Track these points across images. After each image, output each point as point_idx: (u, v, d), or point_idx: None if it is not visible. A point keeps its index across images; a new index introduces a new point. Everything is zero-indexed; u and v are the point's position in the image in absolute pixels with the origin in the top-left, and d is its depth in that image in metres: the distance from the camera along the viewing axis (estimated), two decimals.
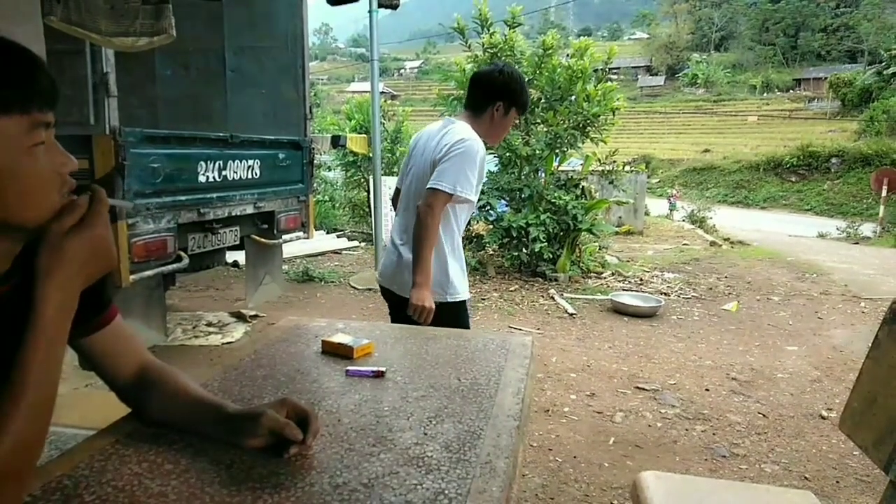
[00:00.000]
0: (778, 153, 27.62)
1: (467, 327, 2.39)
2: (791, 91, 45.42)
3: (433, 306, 2.17)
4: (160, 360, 1.10)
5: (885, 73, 32.14)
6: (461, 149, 2.19)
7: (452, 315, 2.26)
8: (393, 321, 2.43)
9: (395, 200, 2.59)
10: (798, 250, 10.35)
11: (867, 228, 15.69)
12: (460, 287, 2.33)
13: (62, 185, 0.80)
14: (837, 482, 2.79)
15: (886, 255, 11.08)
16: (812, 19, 55.83)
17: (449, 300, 2.28)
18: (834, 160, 25.16)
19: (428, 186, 2.18)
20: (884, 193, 16.64)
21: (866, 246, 13.41)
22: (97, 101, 2.87)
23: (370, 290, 6.26)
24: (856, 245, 13.42)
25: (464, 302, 2.36)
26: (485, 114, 2.33)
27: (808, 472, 2.87)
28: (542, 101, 7.05)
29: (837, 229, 15.63)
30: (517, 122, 2.99)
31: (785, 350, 4.75)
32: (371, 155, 7.27)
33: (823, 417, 3.48)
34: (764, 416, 3.51)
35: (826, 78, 39.38)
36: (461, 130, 2.25)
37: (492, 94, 2.31)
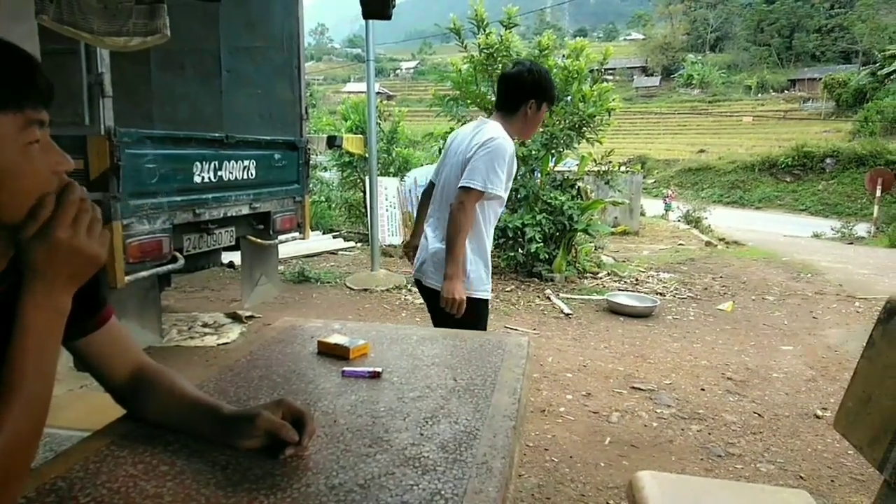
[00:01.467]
0: (773, 153, 27.72)
1: (484, 327, 2.48)
2: (786, 91, 45.59)
3: (464, 298, 2.28)
4: (155, 362, 1.10)
5: (879, 73, 32.28)
6: (490, 147, 2.29)
7: (473, 311, 2.35)
8: (429, 311, 2.57)
9: (427, 193, 2.72)
10: (793, 250, 10.38)
11: (862, 228, 15.76)
12: (479, 285, 2.41)
13: (58, 185, 0.80)
14: (832, 481, 2.80)
15: (881, 254, 11.13)
16: (807, 20, 56.02)
17: (475, 296, 2.37)
18: (828, 160, 25.26)
19: (460, 185, 2.30)
20: (878, 193, 16.72)
21: (861, 246, 13.46)
22: (92, 101, 2.86)
23: (366, 290, 6.26)
24: (850, 245, 13.47)
25: (484, 301, 2.45)
26: (518, 113, 2.43)
27: (804, 472, 2.88)
28: None
29: (832, 229, 15.70)
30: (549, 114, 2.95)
31: (780, 350, 4.76)
32: (367, 155, 7.26)
33: (818, 417, 3.49)
34: (759, 415, 3.52)
35: (821, 78, 39.54)
36: (491, 130, 2.36)
37: (524, 93, 2.41)
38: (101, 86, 2.86)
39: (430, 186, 2.71)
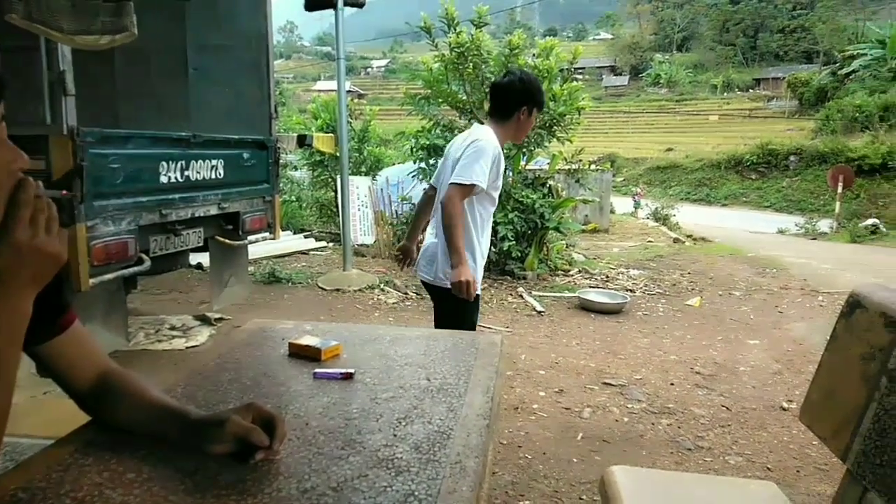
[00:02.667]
0: (738, 151, 28.23)
1: (473, 321, 2.65)
2: (751, 90, 46.49)
3: (472, 279, 2.43)
4: (121, 366, 1.07)
5: (839, 73, 33.15)
6: (475, 147, 2.50)
7: (459, 302, 2.49)
8: (434, 305, 2.79)
9: (427, 198, 2.94)
10: (758, 246, 10.60)
11: (824, 224, 16.16)
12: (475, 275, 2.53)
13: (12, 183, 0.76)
14: (798, 471, 2.87)
15: (842, 250, 11.43)
16: (770, 20, 57.24)
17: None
18: (792, 158, 25.84)
19: (449, 181, 2.50)
20: (839, 190, 17.15)
21: (823, 241, 13.82)
22: (53, 99, 2.79)
23: (338, 290, 6.22)
24: (814, 240, 13.81)
25: (476, 296, 2.56)
26: (511, 119, 2.63)
27: (770, 463, 2.94)
28: None
29: (796, 225, 16.06)
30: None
31: (747, 344, 4.86)
32: (338, 154, 7.21)
33: (784, 409, 3.57)
34: (727, 408, 3.58)
35: (784, 78, 40.40)
36: (477, 132, 2.59)
37: (516, 100, 2.59)
38: (62, 84, 2.78)
39: (432, 191, 2.88)
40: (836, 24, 44.47)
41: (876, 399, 1.24)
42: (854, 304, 1.39)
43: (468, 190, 2.46)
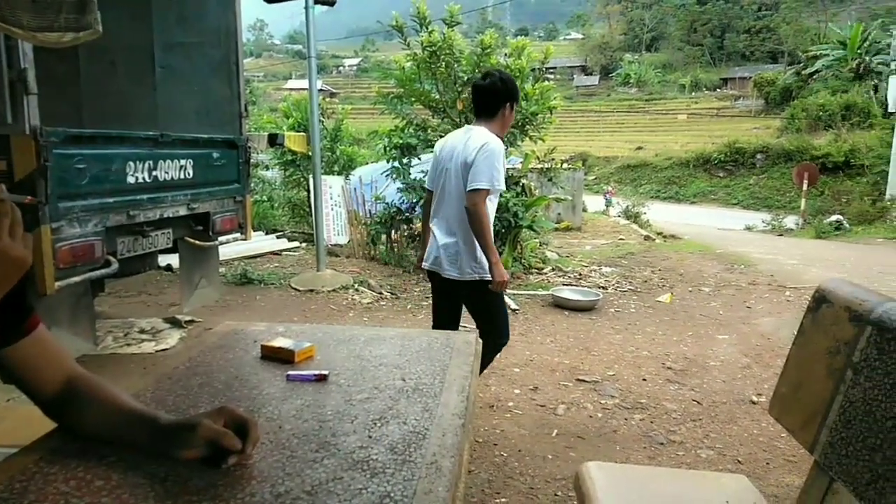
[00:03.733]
0: (706, 150, 28.71)
1: (500, 304, 3.00)
2: (718, 90, 47.29)
3: (506, 278, 2.77)
4: (88, 371, 1.04)
5: (803, 73, 33.91)
6: (487, 151, 2.70)
7: (483, 290, 2.85)
8: (437, 298, 3.14)
9: (428, 202, 3.11)
10: (727, 243, 10.79)
11: (791, 221, 16.52)
12: (486, 268, 2.83)
13: None
14: (768, 464, 2.93)
15: (808, 245, 11.70)
16: (737, 21, 58.27)
17: (481, 278, 2.84)
18: (759, 156, 26.37)
19: (469, 189, 2.70)
20: (804, 187, 17.56)
21: (790, 237, 14.13)
22: (15, 98, 2.71)
23: (312, 291, 6.16)
24: (780, 237, 14.12)
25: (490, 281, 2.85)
26: (496, 116, 2.87)
27: (741, 456, 3.00)
28: None
29: (763, 222, 16.39)
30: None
31: (716, 339, 4.95)
32: (310, 154, 7.15)
33: (754, 402, 3.65)
34: (698, 403, 3.64)
35: (751, 77, 41.18)
36: (482, 135, 2.77)
37: (500, 98, 2.85)
38: (24, 82, 2.71)
39: (429, 194, 3.09)
40: (799, 25, 45.49)
41: (841, 392, 1.27)
42: (820, 300, 1.42)
43: (488, 192, 2.71)
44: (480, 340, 1.76)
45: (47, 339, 0.99)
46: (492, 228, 2.80)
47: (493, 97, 2.86)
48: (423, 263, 3.07)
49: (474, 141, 2.75)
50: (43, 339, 0.98)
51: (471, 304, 3.02)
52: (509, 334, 3.10)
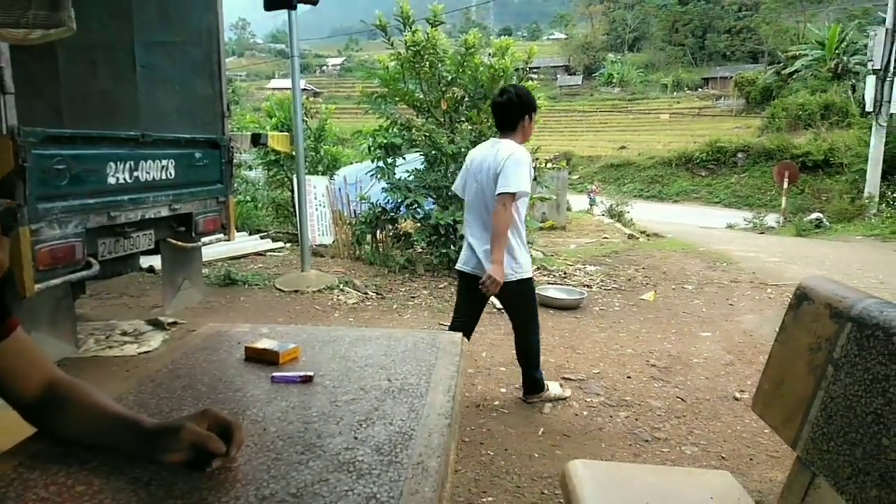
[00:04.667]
0: (688, 149, 28.96)
1: (534, 299, 3.36)
2: (700, 90, 47.71)
3: (502, 281, 3.03)
4: (68, 375, 1.03)
5: (783, 73, 34.33)
6: (513, 159, 3.00)
7: (523, 288, 3.19)
8: (465, 299, 3.40)
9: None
10: (709, 241, 10.89)
11: (771, 219, 16.70)
12: (526, 266, 3.18)
13: None
14: (751, 459, 2.96)
15: (789, 243, 11.85)
16: (718, 21, 58.85)
17: (520, 277, 3.14)
18: (740, 155, 26.65)
19: (497, 193, 3.00)
20: (785, 185, 17.78)
21: (771, 235, 14.29)
22: None
23: (297, 292, 6.13)
24: (761, 235, 14.27)
25: (530, 279, 3.24)
26: (517, 128, 3.17)
27: (725, 452, 3.02)
28: (466, 99, 7.11)
29: (745, 220, 16.57)
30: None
31: (700, 336, 4.99)
32: (294, 153, 7.11)
33: (737, 399, 3.68)
34: (682, 400, 3.67)
35: (732, 77, 41.62)
36: (508, 146, 3.08)
37: (517, 112, 3.14)
38: (0, 81, 2.67)
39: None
40: (779, 25, 45.98)
41: (823, 388, 1.28)
42: (801, 297, 1.44)
43: (514, 196, 2.99)
44: (466, 340, 1.76)
45: (25, 342, 0.98)
46: (515, 228, 3.11)
47: (511, 112, 3.15)
48: (465, 268, 3.30)
49: (503, 152, 3.05)
50: (21, 342, 0.96)
51: (509, 301, 3.35)
52: (539, 330, 3.42)
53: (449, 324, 3.61)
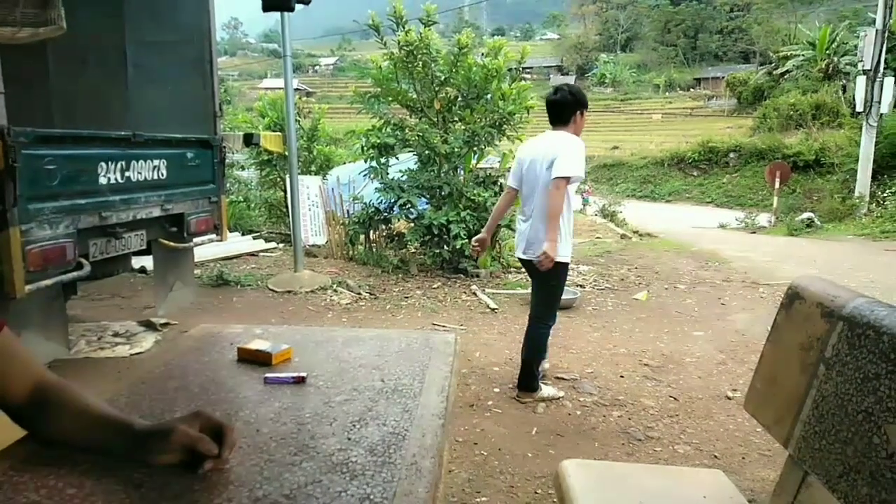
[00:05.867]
0: (681, 149, 29.02)
1: (561, 285, 3.53)
2: (692, 90, 47.90)
3: (555, 257, 3.23)
4: (57, 376, 1.02)
5: (774, 73, 34.46)
6: (568, 147, 3.26)
7: (556, 272, 3.36)
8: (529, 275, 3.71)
9: (506, 198, 3.74)
10: (701, 240, 10.93)
11: (763, 218, 16.74)
12: (565, 252, 3.37)
13: None
14: (743, 458, 2.97)
15: (780, 242, 11.90)
16: (709, 21, 59.10)
17: (558, 260, 3.29)
18: (732, 155, 26.73)
19: (553, 177, 3.24)
20: (776, 185, 17.84)
21: (763, 235, 14.34)
22: None
23: (290, 292, 6.12)
24: (753, 234, 14.32)
25: (567, 263, 3.45)
26: (570, 122, 3.42)
27: (717, 451, 3.04)
28: (460, 99, 7.11)
29: (736, 220, 16.59)
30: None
31: (692, 335, 5.01)
32: (287, 153, 7.09)
33: (729, 398, 3.70)
34: (675, 399, 3.68)
35: (723, 77, 41.78)
36: (564, 136, 3.35)
37: (571, 109, 3.41)
38: None
39: (513, 191, 3.66)
40: (770, 25, 46.20)
41: (815, 386, 1.29)
42: (793, 296, 1.44)
43: (569, 180, 3.23)
44: (459, 340, 1.76)
45: (13, 344, 0.97)
46: (571, 215, 3.42)
47: (565, 108, 3.41)
48: (522, 255, 3.54)
49: (559, 141, 3.32)
50: (8, 343, 0.96)
51: (538, 277, 3.50)
52: (556, 319, 3.66)
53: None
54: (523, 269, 7.41)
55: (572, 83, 3.47)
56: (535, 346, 3.57)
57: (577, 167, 3.24)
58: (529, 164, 3.47)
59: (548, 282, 3.44)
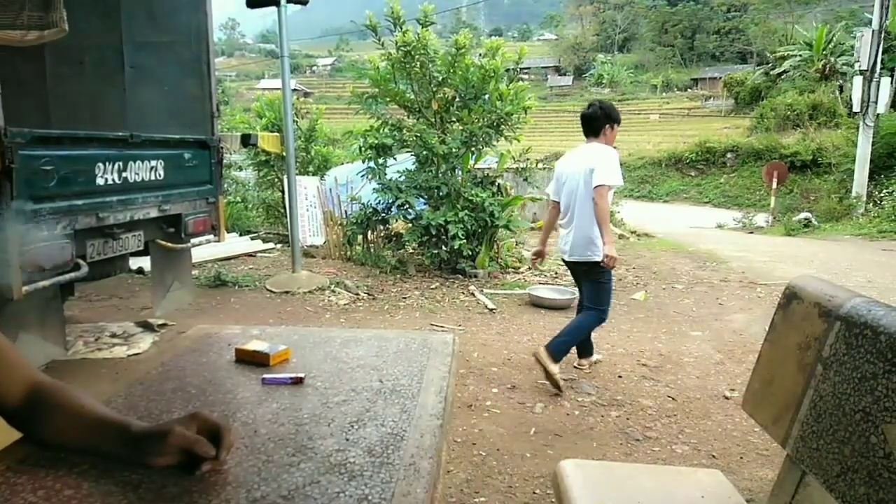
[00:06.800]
0: (678, 149, 29.04)
1: (610, 282, 3.85)
2: (689, 90, 47.87)
3: (616, 257, 3.65)
4: (54, 378, 1.02)
5: (771, 73, 34.49)
6: (605, 158, 3.66)
7: (603, 270, 3.72)
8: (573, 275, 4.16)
9: (553, 212, 4.05)
10: (699, 241, 10.95)
11: (761, 218, 16.78)
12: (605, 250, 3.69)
13: None
14: (741, 458, 2.97)
15: (778, 242, 11.92)
16: (707, 22, 59.13)
17: (598, 259, 3.67)
18: (729, 155, 26.76)
19: (594, 185, 3.62)
20: (774, 185, 17.87)
21: (760, 235, 14.37)
22: None
23: (287, 293, 6.11)
24: (751, 234, 14.34)
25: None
26: (600, 134, 3.80)
27: (715, 451, 3.04)
28: (457, 100, 7.11)
29: (734, 220, 16.62)
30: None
31: (690, 335, 5.02)
32: (284, 154, 7.09)
33: (727, 398, 3.70)
34: (673, 399, 3.69)
35: (721, 77, 41.77)
36: (599, 147, 3.74)
37: (601, 122, 3.80)
38: None
39: (556, 205, 3.97)
40: (767, 26, 46.21)
41: (812, 386, 1.29)
42: (791, 296, 1.44)
43: (609, 187, 3.62)
44: (457, 341, 1.76)
45: (5, 346, 0.97)
46: (608, 217, 3.69)
47: (595, 121, 3.79)
48: (566, 258, 3.90)
49: (595, 152, 3.70)
50: (1, 346, 0.95)
51: (584, 278, 3.87)
52: (608, 312, 3.93)
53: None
54: (525, 270, 7.50)
55: (602, 102, 3.91)
56: (577, 328, 3.86)
57: (615, 176, 3.63)
58: (568, 177, 3.83)
59: (597, 280, 3.79)
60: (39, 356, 3.33)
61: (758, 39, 46.88)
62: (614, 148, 3.85)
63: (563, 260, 4.02)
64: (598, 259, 3.67)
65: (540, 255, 4.13)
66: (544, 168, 9.76)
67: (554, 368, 3.67)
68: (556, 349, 3.72)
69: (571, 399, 3.65)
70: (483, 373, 4.06)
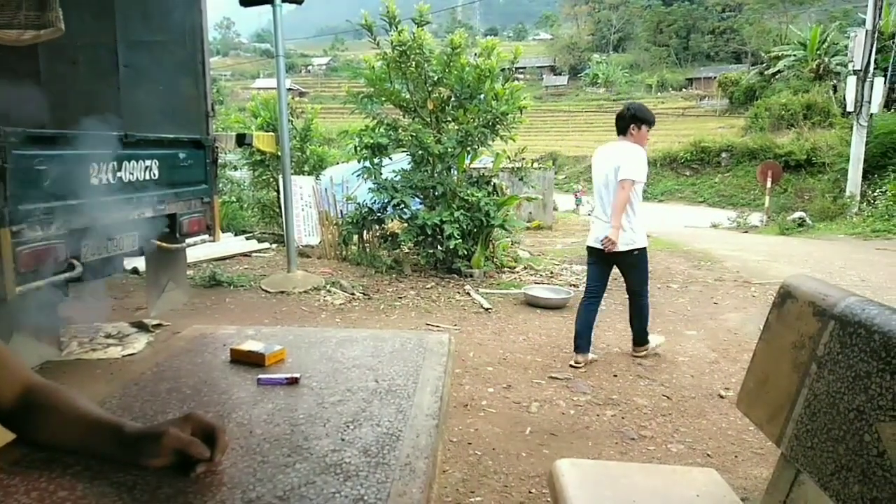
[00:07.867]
0: (673, 149, 29.14)
1: (647, 266, 4.23)
2: (684, 90, 48.02)
3: (616, 241, 3.94)
4: (47, 379, 1.01)
5: (765, 73, 34.62)
6: (632, 154, 3.96)
7: (639, 257, 4.11)
8: (591, 264, 4.36)
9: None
10: (694, 240, 10.97)
11: (755, 218, 16.85)
12: (640, 240, 4.07)
13: None
14: (736, 457, 2.98)
15: (772, 242, 11.96)
16: (701, 22, 59.33)
17: (637, 247, 4.05)
18: (724, 155, 26.87)
19: (620, 179, 3.91)
20: (768, 185, 17.94)
21: (755, 234, 14.42)
22: None
23: (283, 293, 6.10)
24: (745, 234, 14.39)
25: (644, 248, 4.11)
26: (628, 133, 4.07)
27: (710, 450, 3.05)
28: (453, 99, 7.11)
29: (729, 219, 16.69)
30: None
31: (685, 334, 5.03)
32: (279, 153, 7.07)
33: (722, 397, 3.71)
34: (668, 398, 3.70)
35: (715, 77, 41.91)
36: (626, 145, 4.03)
37: (627, 122, 4.07)
38: None
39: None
40: (761, 26, 46.39)
41: (807, 385, 1.30)
42: (785, 295, 1.45)
43: (633, 182, 3.91)
44: (453, 340, 1.76)
45: None
46: (631, 208, 3.98)
47: (621, 121, 4.10)
48: (594, 244, 4.16)
49: (623, 148, 4.01)
50: None
51: (626, 267, 4.17)
52: (649, 294, 4.31)
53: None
54: (520, 269, 7.51)
55: (633, 104, 4.28)
56: (641, 316, 4.28)
57: (640, 172, 3.93)
58: (595, 173, 4.18)
59: (635, 266, 4.14)
60: (34, 357, 3.32)
61: (752, 39, 47.04)
62: (642, 147, 4.10)
63: (589, 247, 4.28)
64: (637, 246, 4.02)
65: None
66: (540, 168, 9.76)
67: (652, 345, 4.38)
68: (640, 336, 4.33)
69: (567, 399, 3.65)
70: (479, 372, 4.07)
